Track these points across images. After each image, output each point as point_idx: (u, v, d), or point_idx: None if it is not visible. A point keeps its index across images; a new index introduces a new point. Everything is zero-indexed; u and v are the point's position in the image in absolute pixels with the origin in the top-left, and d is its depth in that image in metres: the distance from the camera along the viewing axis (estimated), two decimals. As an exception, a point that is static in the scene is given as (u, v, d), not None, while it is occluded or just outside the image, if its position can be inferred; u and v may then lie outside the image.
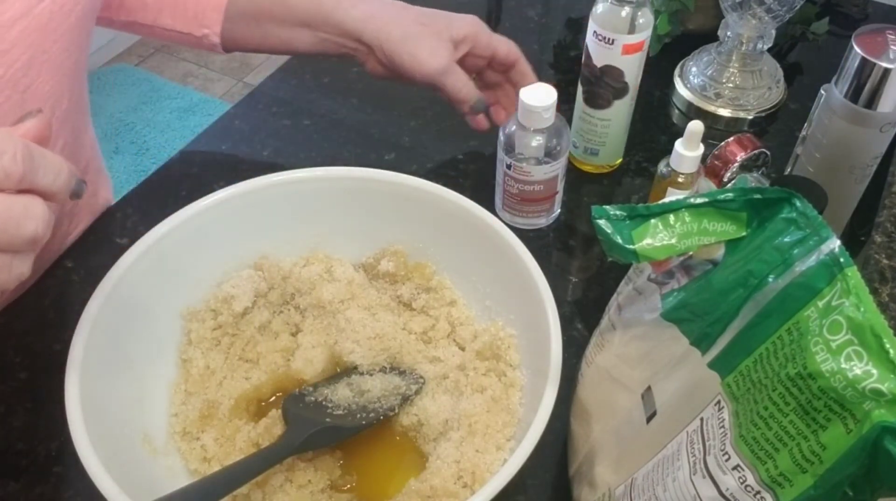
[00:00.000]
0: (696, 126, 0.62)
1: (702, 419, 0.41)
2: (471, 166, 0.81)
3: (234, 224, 0.62)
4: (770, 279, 0.38)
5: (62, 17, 0.58)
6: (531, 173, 0.69)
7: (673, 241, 0.42)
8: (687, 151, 0.64)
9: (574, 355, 0.57)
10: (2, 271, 0.40)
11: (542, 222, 0.74)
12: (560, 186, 0.72)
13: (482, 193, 0.75)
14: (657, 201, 0.47)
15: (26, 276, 0.42)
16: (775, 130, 0.86)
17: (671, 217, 0.43)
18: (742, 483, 0.37)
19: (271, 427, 0.56)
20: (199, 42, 0.75)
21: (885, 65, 0.58)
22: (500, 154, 0.70)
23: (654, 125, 0.87)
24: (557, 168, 0.69)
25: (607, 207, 0.44)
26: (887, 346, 0.33)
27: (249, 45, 0.76)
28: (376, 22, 0.70)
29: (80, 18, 0.61)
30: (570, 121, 0.78)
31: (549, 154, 0.68)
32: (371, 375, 0.60)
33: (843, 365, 0.33)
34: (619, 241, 0.43)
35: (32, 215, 0.40)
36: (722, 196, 0.42)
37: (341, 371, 0.61)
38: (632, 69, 0.71)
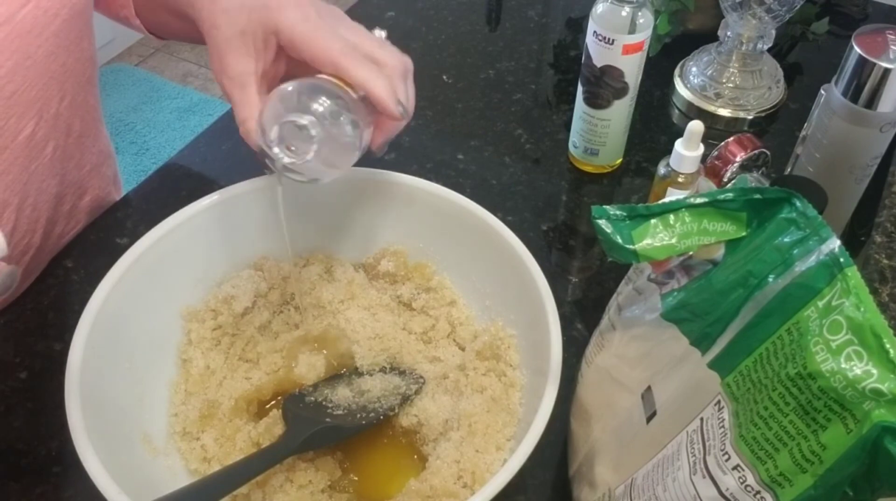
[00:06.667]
0: (696, 126, 0.62)
1: (702, 419, 0.41)
2: (471, 166, 0.81)
3: (234, 224, 0.62)
4: (770, 279, 0.38)
5: (46, 21, 0.58)
6: None
7: (673, 241, 0.42)
8: (687, 151, 0.64)
9: (574, 355, 0.57)
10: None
11: None
12: None
13: (482, 193, 0.75)
14: (657, 200, 0.47)
15: None
16: (775, 130, 0.86)
17: (671, 217, 0.43)
18: (742, 483, 0.37)
19: (271, 427, 0.56)
20: (129, 23, 0.72)
21: (884, 65, 0.58)
22: None
23: (654, 125, 0.86)
24: None
25: (607, 207, 0.44)
26: (887, 346, 0.33)
27: (161, 31, 0.72)
28: None
29: (67, 21, 0.60)
30: (570, 121, 0.78)
31: None
32: (371, 375, 0.60)
33: (843, 365, 0.33)
34: (619, 241, 0.43)
35: None
36: (722, 196, 0.42)
37: (341, 371, 0.61)
38: (632, 69, 0.71)
